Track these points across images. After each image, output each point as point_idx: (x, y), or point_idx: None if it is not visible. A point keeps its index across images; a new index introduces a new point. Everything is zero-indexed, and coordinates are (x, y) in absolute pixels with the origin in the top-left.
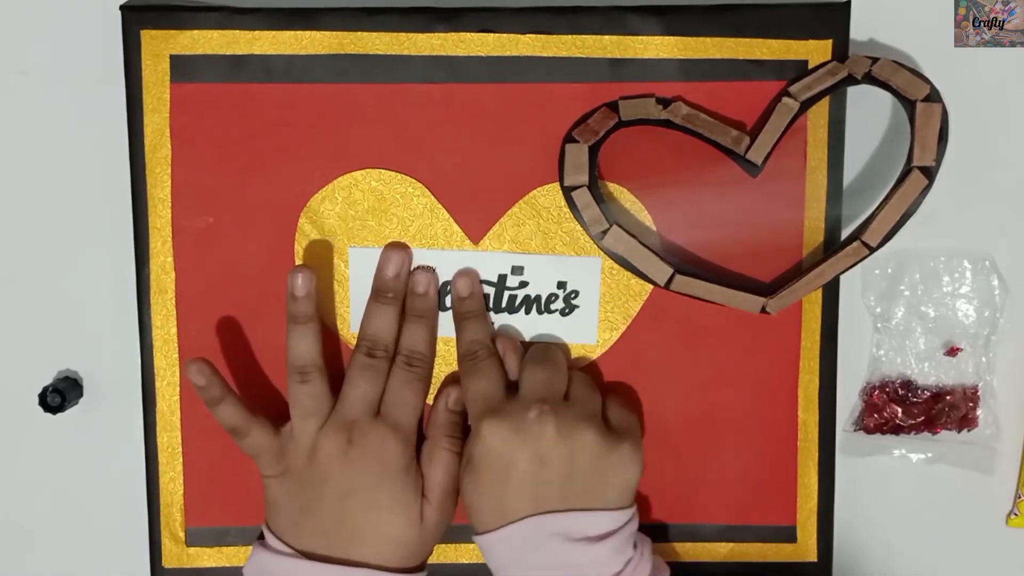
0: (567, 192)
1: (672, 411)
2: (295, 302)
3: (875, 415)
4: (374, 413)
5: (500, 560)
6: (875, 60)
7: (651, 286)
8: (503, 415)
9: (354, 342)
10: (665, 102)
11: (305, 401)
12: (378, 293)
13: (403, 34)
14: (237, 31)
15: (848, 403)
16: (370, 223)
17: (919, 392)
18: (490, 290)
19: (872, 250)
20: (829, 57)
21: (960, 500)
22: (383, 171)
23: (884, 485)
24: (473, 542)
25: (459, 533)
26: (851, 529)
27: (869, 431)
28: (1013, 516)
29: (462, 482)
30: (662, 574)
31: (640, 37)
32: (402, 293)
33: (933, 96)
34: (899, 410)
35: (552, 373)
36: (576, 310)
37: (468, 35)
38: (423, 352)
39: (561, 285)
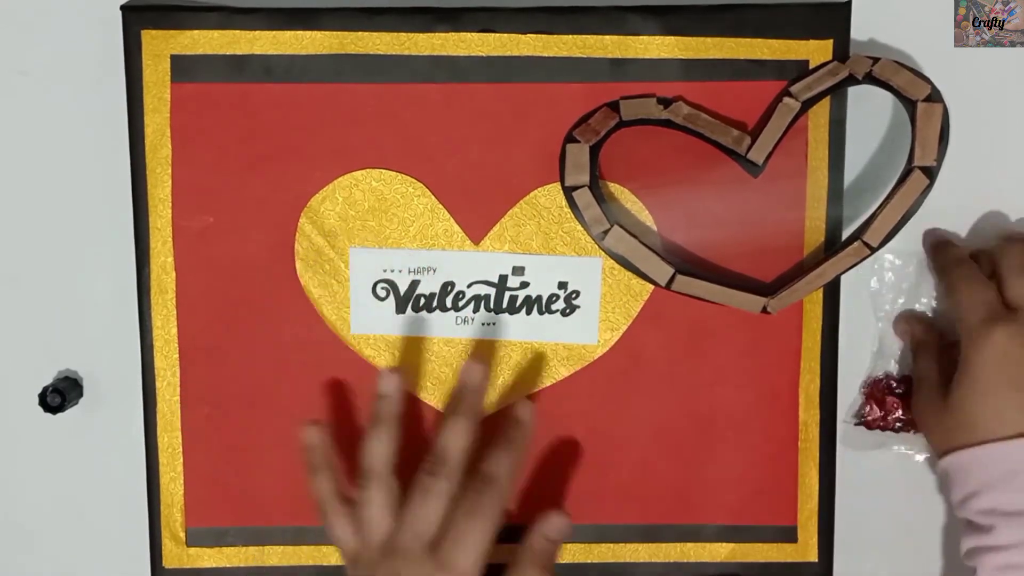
0: (568, 192)
1: (673, 411)
2: (381, 401)
3: (874, 407)
4: (431, 543)
5: (993, 477)
6: (876, 60)
7: (652, 286)
8: (1014, 322)
9: (355, 344)
10: (666, 102)
11: (363, 512)
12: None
13: (403, 34)
14: (237, 31)
15: (849, 403)
16: (370, 223)
17: None
18: (491, 290)
19: (873, 250)
20: (830, 57)
21: None
22: (383, 171)
23: (885, 485)
24: None
25: None
26: (852, 529)
27: (869, 427)
28: None
29: (953, 390)
30: None
31: (641, 37)
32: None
33: (934, 96)
34: (899, 403)
35: None
36: (577, 310)
37: (468, 35)
38: (497, 474)
39: (562, 285)
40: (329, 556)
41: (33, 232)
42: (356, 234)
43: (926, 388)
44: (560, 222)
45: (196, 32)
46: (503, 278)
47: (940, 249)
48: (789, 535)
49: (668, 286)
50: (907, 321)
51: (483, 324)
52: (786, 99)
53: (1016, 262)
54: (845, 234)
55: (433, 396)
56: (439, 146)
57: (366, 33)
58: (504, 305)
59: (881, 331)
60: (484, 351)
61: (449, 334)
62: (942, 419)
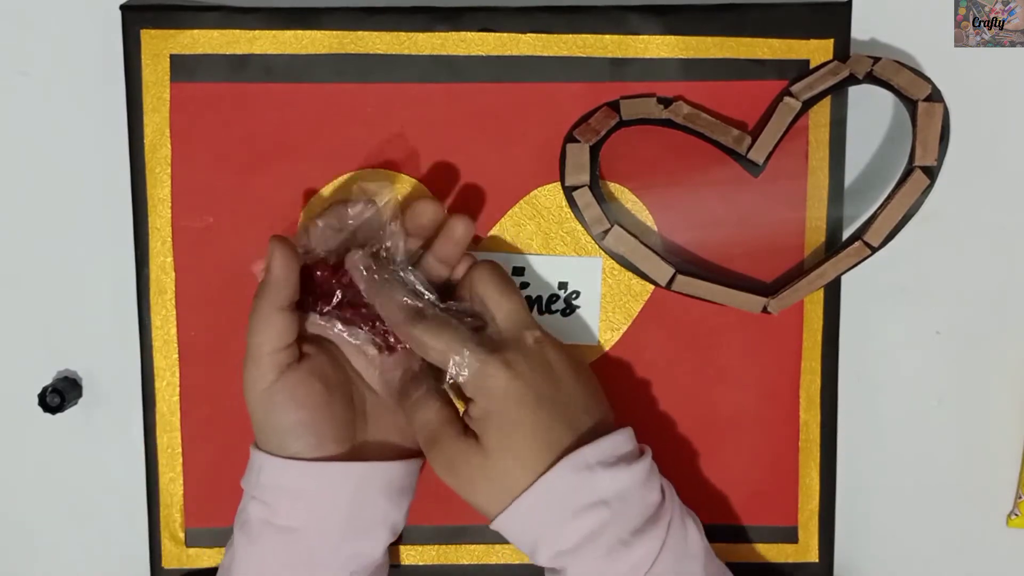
0: (568, 192)
1: (673, 411)
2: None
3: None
4: None
5: (539, 519)
6: (876, 60)
7: (652, 286)
8: (503, 351)
9: None
10: (666, 102)
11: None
12: None
13: (403, 34)
14: (237, 31)
15: (850, 402)
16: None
17: None
18: None
19: (874, 250)
20: (830, 57)
21: (960, 500)
22: (383, 171)
23: (885, 485)
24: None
25: (459, 534)
26: (852, 530)
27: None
28: (1013, 516)
29: (484, 443)
30: (694, 515)
31: (641, 36)
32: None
33: (935, 96)
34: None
35: (518, 296)
36: (577, 310)
37: (468, 35)
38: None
39: (562, 285)
40: None
41: (33, 232)
42: None
43: (451, 437)
44: (560, 222)
45: (196, 32)
46: None
47: (396, 314)
48: (789, 535)
49: (668, 286)
50: (397, 360)
51: None
52: (787, 99)
53: (491, 285)
54: (846, 234)
55: None
56: (439, 146)
57: (366, 33)
58: None
59: None
60: None
61: None
62: (483, 470)
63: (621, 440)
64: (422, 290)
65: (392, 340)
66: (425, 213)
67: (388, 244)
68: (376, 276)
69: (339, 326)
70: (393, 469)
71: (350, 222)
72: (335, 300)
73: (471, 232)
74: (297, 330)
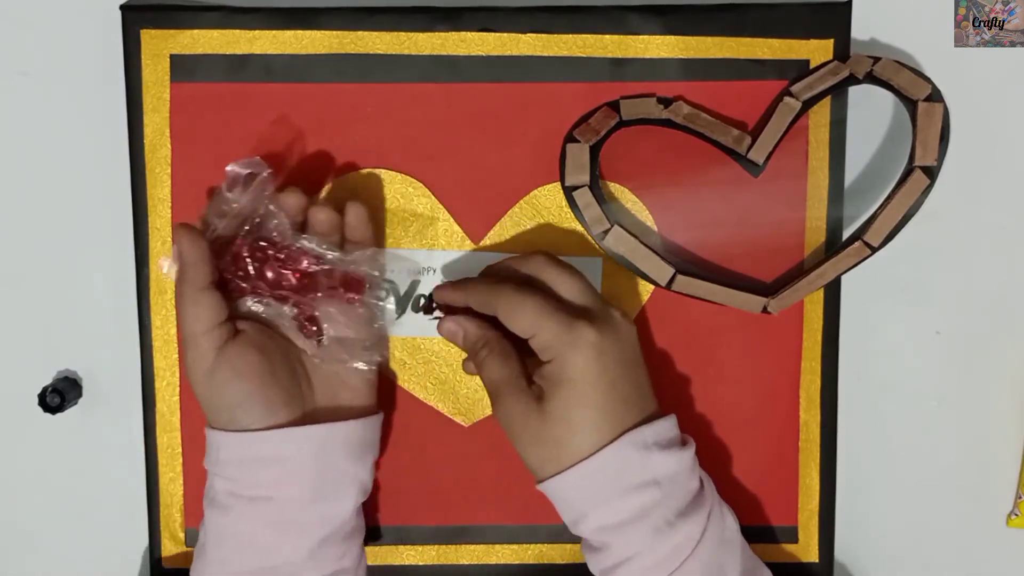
0: (568, 192)
1: (673, 411)
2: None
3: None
4: None
5: (590, 491)
6: (876, 60)
7: (652, 286)
8: (597, 320)
9: None
10: (666, 102)
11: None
12: None
13: (403, 33)
14: (237, 31)
15: (850, 402)
16: (370, 223)
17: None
18: None
19: (874, 250)
20: (830, 57)
21: (960, 500)
22: (383, 171)
23: (885, 485)
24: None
25: (459, 534)
26: (852, 530)
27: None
28: (1013, 516)
29: (551, 400)
30: (727, 506)
31: (641, 36)
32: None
33: (935, 96)
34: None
35: (582, 275)
36: None
37: (468, 34)
38: None
39: None
40: None
41: (33, 232)
42: None
43: (512, 395)
44: (560, 222)
45: (196, 31)
46: None
47: (473, 281)
48: (790, 535)
49: (668, 286)
50: (454, 321)
51: None
52: (787, 99)
53: (550, 268)
54: (846, 234)
55: (433, 396)
56: (439, 146)
57: (366, 33)
58: None
59: None
60: None
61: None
62: (539, 433)
63: (671, 424)
64: (323, 251)
65: (310, 311)
66: (287, 205)
67: (275, 220)
68: (259, 262)
69: (257, 304)
70: (351, 428)
71: (234, 205)
72: (248, 278)
73: (333, 218)
74: (226, 308)
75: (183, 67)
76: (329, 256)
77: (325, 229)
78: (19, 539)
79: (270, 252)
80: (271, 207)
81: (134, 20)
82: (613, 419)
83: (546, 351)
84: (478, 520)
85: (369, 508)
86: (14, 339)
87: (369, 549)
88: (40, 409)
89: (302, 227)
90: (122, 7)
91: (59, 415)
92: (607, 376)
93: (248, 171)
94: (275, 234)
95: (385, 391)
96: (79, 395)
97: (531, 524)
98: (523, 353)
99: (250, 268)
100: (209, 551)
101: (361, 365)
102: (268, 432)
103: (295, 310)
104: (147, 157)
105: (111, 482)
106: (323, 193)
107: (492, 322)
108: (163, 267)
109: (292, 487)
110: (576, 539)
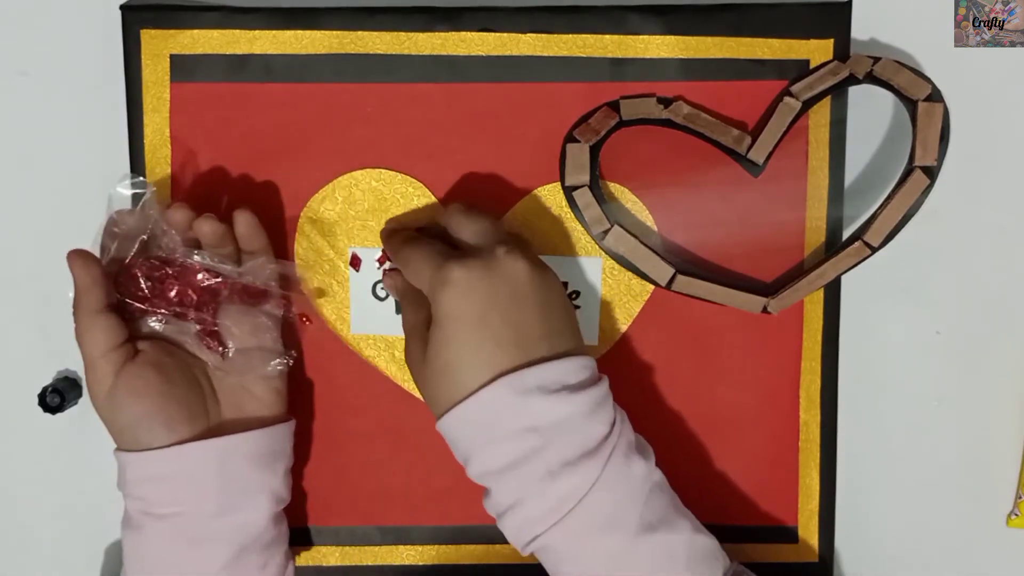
0: (568, 192)
1: (673, 411)
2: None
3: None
4: None
5: (470, 434)
6: (876, 60)
7: (652, 286)
8: (468, 257)
9: (354, 344)
10: (666, 102)
11: None
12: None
13: (403, 34)
14: (237, 31)
15: (850, 402)
16: (370, 223)
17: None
18: None
19: (874, 250)
20: (830, 57)
21: (960, 500)
22: (383, 171)
23: (885, 485)
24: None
25: (459, 534)
26: (852, 529)
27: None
28: (1013, 516)
29: (429, 343)
30: (647, 450)
31: (641, 36)
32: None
33: (935, 96)
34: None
35: (490, 219)
36: (577, 311)
37: (468, 34)
38: None
39: (562, 285)
40: (327, 556)
41: (33, 232)
42: (356, 234)
43: (411, 341)
44: (560, 222)
45: (196, 32)
46: None
47: (390, 235)
48: (790, 535)
49: (668, 286)
50: (390, 276)
51: None
52: (787, 99)
53: (456, 214)
54: (846, 234)
55: None
56: (439, 146)
57: (366, 33)
58: None
59: None
60: None
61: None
62: (424, 374)
63: (571, 368)
64: (216, 265)
65: (210, 324)
66: (173, 221)
67: (165, 239)
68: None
69: (156, 322)
70: (255, 438)
71: (122, 226)
72: (145, 298)
73: (218, 229)
74: (124, 330)
75: (183, 67)
76: (222, 269)
77: (213, 241)
78: (19, 539)
79: (166, 270)
80: (161, 225)
81: (134, 20)
82: (486, 359)
83: (429, 297)
84: (478, 520)
85: (369, 508)
86: (14, 339)
87: (369, 549)
88: (40, 409)
89: (197, 243)
90: (122, 7)
91: (59, 415)
92: (473, 313)
93: (133, 191)
94: (168, 251)
95: (385, 391)
96: (79, 395)
97: None
98: None
99: (146, 287)
100: (129, 573)
101: (270, 373)
102: (168, 449)
103: (196, 326)
104: (147, 157)
105: (111, 482)
106: (323, 193)
107: None
108: (70, 295)
109: (198, 501)
110: None
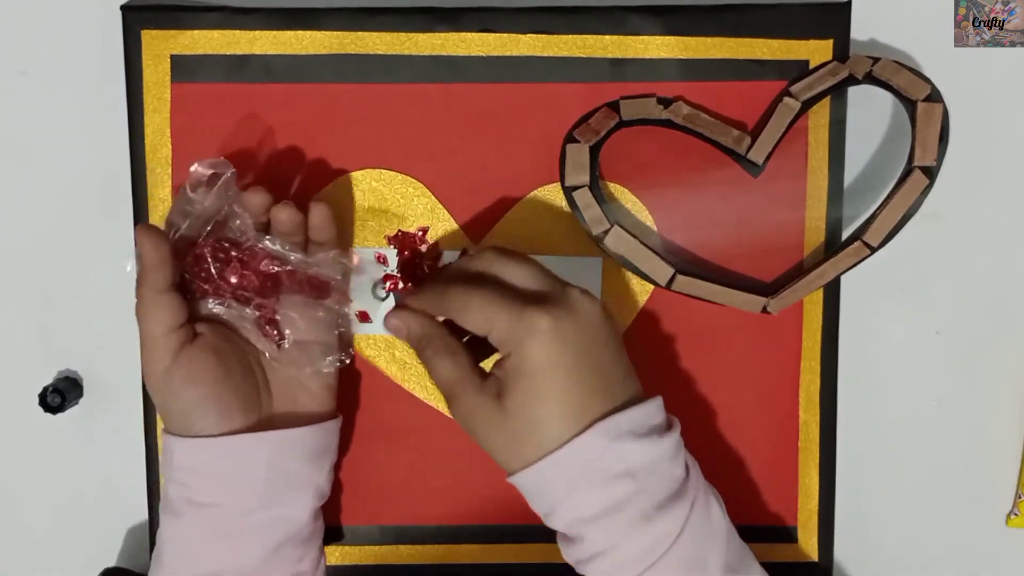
0: (568, 192)
1: (673, 411)
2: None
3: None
4: None
5: (560, 483)
6: (876, 60)
7: (652, 286)
8: (549, 303)
9: (355, 343)
10: (666, 102)
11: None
12: None
13: (403, 34)
14: (238, 31)
15: (850, 402)
16: (370, 223)
17: None
18: None
19: (873, 250)
20: (830, 57)
21: (960, 500)
22: (383, 171)
23: (884, 485)
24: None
25: (459, 534)
26: (852, 529)
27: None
28: (1013, 516)
29: (510, 395)
30: (717, 494)
31: (641, 37)
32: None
33: (934, 96)
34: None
35: (535, 261)
36: None
37: (468, 35)
38: None
39: None
40: (328, 555)
41: (33, 232)
42: (356, 234)
43: (467, 394)
44: (560, 222)
45: (196, 32)
46: None
47: (425, 286)
48: (789, 535)
49: (668, 286)
50: (398, 317)
51: None
52: (786, 99)
53: (498, 259)
54: (845, 234)
55: (433, 396)
56: (439, 146)
57: (366, 33)
58: None
59: None
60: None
61: None
62: (502, 427)
63: (652, 410)
64: (286, 253)
65: (271, 312)
66: (251, 204)
67: (237, 221)
68: (221, 261)
69: (218, 305)
70: (307, 434)
71: (197, 206)
72: (210, 280)
73: (295, 217)
74: (186, 311)
75: (184, 67)
76: (292, 258)
77: (287, 229)
78: (19, 539)
79: (233, 253)
80: (235, 207)
81: (135, 20)
82: (578, 409)
83: (503, 344)
84: (478, 520)
85: (369, 508)
86: (14, 339)
87: (369, 549)
88: (40, 409)
89: (266, 227)
90: (123, 7)
91: (59, 415)
92: (566, 364)
93: (212, 171)
94: (238, 234)
95: (385, 391)
96: (79, 395)
97: (531, 524)
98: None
99: (212, 269)
100: (164, 558)
101: (325, 368)
102: (220, 439)
103: (256, 312)
104: (147, 157)
105: (111, 482)
106: (323, 193)
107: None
108: (127, 268)
109: (243, 494)
110: None
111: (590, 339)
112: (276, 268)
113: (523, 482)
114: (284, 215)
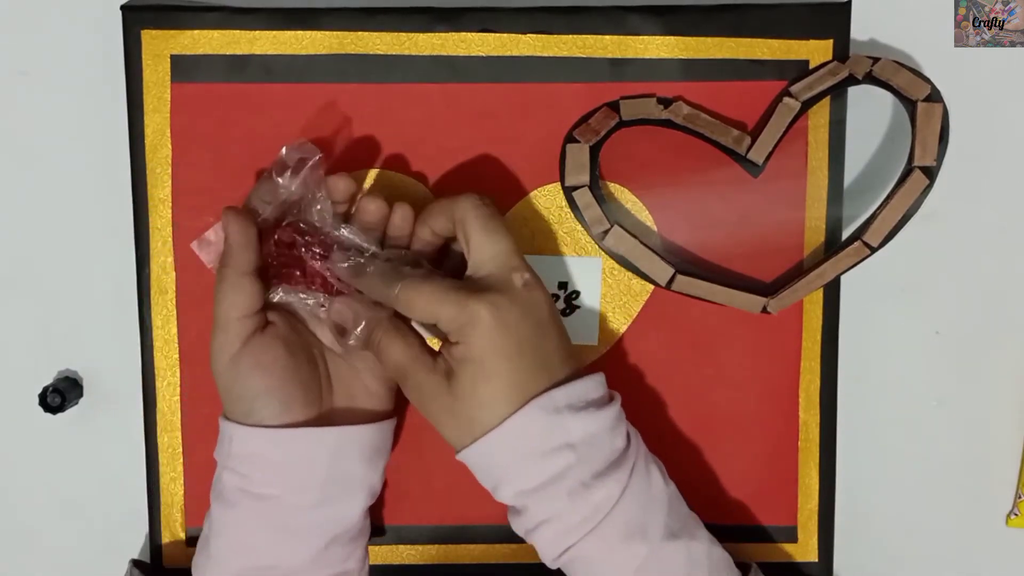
0: (568, 192)
1: (673, 411)
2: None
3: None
4: None
5: (502, 459)
6: (876, 60)
7: (652, 286)
8: (491, 293)
9: None
10: (666, 102)
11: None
12: None
13: (403, 34)
14: (237, 31)
15: (850, 402)
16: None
17: None
18: None
19: (873, 250)
20: (830, 57)
21: (960, 500)
22: (383, 171)
23: (885, 485)
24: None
25: (459, 534)
26: (852, 529)
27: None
28: (1013, 516)
29: (454, 387)
30: (659, 463)
31: (641, 37)
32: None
33: (934, 96)
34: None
35: (505, 235)
36: (577, 310)
37: (468, 35)
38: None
39: (562, 285)
40: None
41: (33, 232)
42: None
43: (419, 374)
44: (560, 222)
45: (196, 32)
46: None
47: (369, 277)
48: (789, 535)
49: (668, 286)
50: (343, 303)
51: None
52: (786, 99)
53: (476, 229)
54: (845, 234)
55: None
56: (439, 146)
57: (366, 33)
58: None
59: None
60: None
61: None
62: (450, 408)
63: (591, 385)
64: (362, 244)
65: (336, 289)
66: (336, 189)
67: (318, 207)
68: (312, 249)
69: (291, 295)
70: (366, 432)
71: (281, 191)
72: (288, 267)
73: (382, 208)
74: (263, 297)
75: (184, 67)
76: (370, 249)
77: (373, 219)
78: (19, 539)
79: (310, 240)
80: (318, 194)
81: (135, 20)
82: (520, 387)
83: (450, 333)
84: (478, 520)
85: (371, 507)
86: (14, 339)
87: (369, 549)
88: (40, 409)
89: (345, 215)
90: (122, 7)
91: (59, 415)
92: (507, 348)
93: (300, 155)
94: (319, 221)
95: None
96: (79, 395)
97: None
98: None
99: (292, 255)
100: (212, 545)
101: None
102: (283, 430)
103: (328, 305)
104: (147, 157)
105: (111, 482)
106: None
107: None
108: (195, 247)
109: (301, 488)
110: None
111: (531, 324)
112: (349, 262)
113: (470, 458)
114: (373, 206)
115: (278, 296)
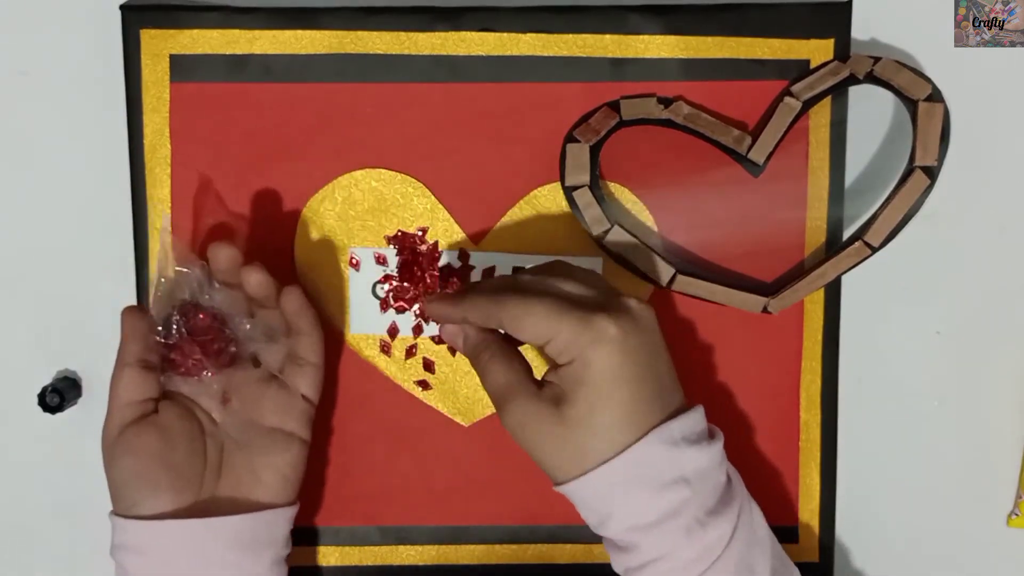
0: (568, 192)
1: None
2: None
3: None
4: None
5: (614, 491)
6: (877, 60)
7: (652, 286)
8: (613, 311)
9: (354, 344)
10: (666, 102)
11: None
12: None
13: (403, 33)
14: (237, 30)
15: (850, 402)
16: (370, 223)
17: None
18: None
19: (874, 250)
20: (831, 57)
21: (960, 500)
22: (383, 171)
23: (885, 485)
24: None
25: (459, 534)
26: (852, 529)
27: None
28: (1013, 516)
29: (567, 411)
30: (753, 501)
31: (641, 36)
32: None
33: (935, 96)
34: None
35: (596, 273)
36: None
37: (468, 34)
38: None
39: None
40: (327, 556)
41: (33, 232)
42: (356, 234)
43: (522, 400)
44: (560, 222)
45: (195, 31)
46: None
47: (473, 295)
48: (790, 535)
49: (669, 286)
50: (450, 329)
51: None
52: (787, 99)
53: (558, 268)
54: (846, 234)
55: (433, 396)
56: (439, 146)
57: (366, 32)
58: None
59: None
60: None
61: None
62: (558, 436)
63: (698, 417)
64: (252, 335)
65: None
66: (217, 258)
67: (214, 294)
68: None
69: (173, 381)
70: (240, 523)
71: (162, 288)
72: (174, 352)
73: (264, 280)
74: (153, 389)
75: (183, 67)
76: (244, 329)
77: (259, 293)
78: (19, 539)
79: (197, 324)
80: (203, 278)
81: (134, 20)
82: (639, 417)
83: (563, 353)
84: (478, 520)
85: (369, 508)
86: (14, 339)
87: (369, 549)
88: (40, 409)
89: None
90: (122, 7)
91: (59, 415)
92: (632, 373)
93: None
94: (206, 307)
95: (385, 391)
96: (79, 395)
97: (531, 524)
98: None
99: (173, 346)
100: None
101: (273, 455)
102: (145, 522)
103: (214, 385)
104: (147, 157)
105: None
106: (323, 193)
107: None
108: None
109: None
110: (576, 539)
111: (650, 349)
112: (232, 347)
113: (578, 489)
114: (254, 279)
115: (173, 384)
